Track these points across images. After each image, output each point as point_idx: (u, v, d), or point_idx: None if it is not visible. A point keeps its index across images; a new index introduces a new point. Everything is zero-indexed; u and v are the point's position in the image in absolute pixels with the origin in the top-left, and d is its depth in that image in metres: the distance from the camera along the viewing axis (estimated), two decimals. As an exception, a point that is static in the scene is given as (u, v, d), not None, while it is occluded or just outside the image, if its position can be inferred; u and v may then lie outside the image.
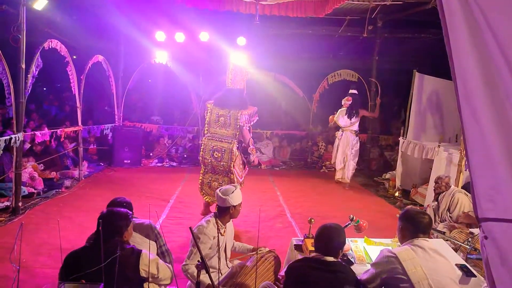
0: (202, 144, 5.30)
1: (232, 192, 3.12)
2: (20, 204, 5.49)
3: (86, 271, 2.18)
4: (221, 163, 5.14)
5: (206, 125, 5.33)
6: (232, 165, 5.10)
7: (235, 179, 5.15)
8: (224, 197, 3.09)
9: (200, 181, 5.44)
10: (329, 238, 2.45)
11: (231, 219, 3.27)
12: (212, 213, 3.21)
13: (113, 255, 2.25)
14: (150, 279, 2.44)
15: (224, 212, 3.14)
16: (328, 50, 11.34)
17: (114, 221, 2.41)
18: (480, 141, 1.12)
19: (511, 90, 1.11)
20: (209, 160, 5.22)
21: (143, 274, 2.40)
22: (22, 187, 5.74)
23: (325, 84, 9.93)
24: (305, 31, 9.59)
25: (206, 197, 5.43)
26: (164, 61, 9.47)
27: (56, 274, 3.65)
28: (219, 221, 3.14)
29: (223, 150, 5.12)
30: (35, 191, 6.36)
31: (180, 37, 9.11)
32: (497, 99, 1.13)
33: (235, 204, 3.12)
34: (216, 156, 5.14)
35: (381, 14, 8.78)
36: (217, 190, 3.18)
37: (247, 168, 5.59)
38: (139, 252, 2.42)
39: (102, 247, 2.12)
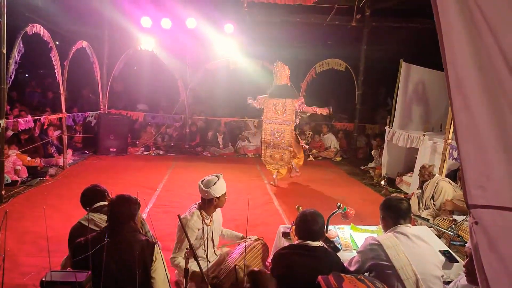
0: (263, 129, 6.77)
1: (214, 183, 3.03)
2: (3, 192, 5.39)
3: (99, 258, 2.04)
4: (282, 141, 6.64)
5: (264, 113, 6.69)
6: (292, 140, 6.61)
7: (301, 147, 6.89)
8: (205, 189, 3.02)
9: (262, 155, 6.93)
10: (308, 224, 2.50)
11: (216, 209, 3.24)
12: (197, 204, 3.18)
13: (130, 242, 2.19)
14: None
15: (208, 204, 3.10)
16: (317, 39, 11.29)
17: (128, 204, 2.31)
18: (471, 128, 1.12)
19: (504, 76, 1.11)
20: (270, 139, 6.70)
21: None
22: (5, 175, 5.63)
23: (312, 73, 9.91)
24: (293, 19, 9.51)
25: (269, 165, 6.86)
26: (150, 48, 9.30)
27: (41, 262, 3.63)
28: (203, 213, 3.11)
29: (283, 130, 6.61)
30: (19, 179, 6.25)
31: (166, 23, 8.93)
32: (490, 86, 1.13)
33: (218, 196, 3.06)
34: (277, 135, 6.64)
35: (369, 2, 8.76)
36: (199, 182, 3.10)
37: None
38: (154, 245, 2.32)
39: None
